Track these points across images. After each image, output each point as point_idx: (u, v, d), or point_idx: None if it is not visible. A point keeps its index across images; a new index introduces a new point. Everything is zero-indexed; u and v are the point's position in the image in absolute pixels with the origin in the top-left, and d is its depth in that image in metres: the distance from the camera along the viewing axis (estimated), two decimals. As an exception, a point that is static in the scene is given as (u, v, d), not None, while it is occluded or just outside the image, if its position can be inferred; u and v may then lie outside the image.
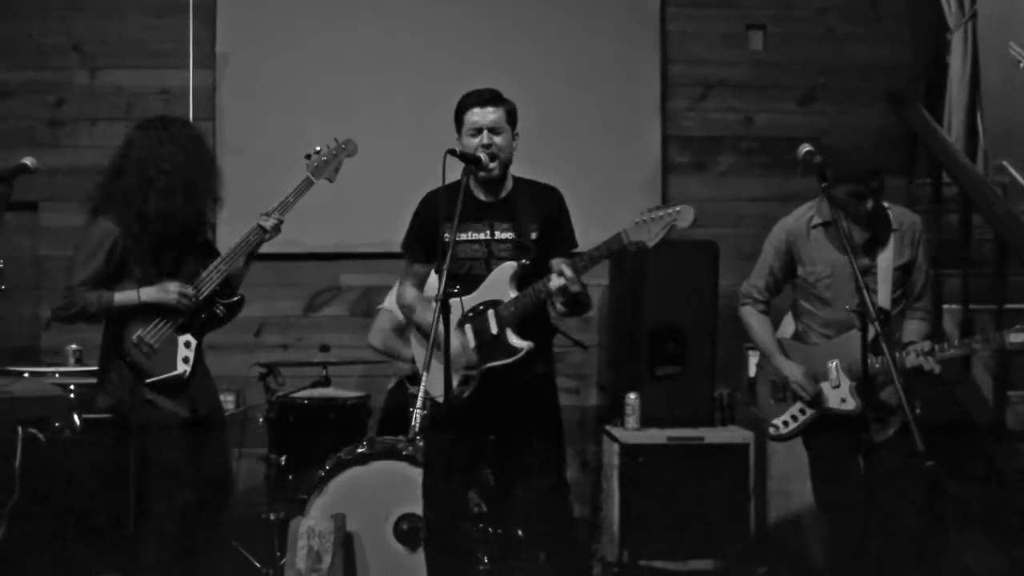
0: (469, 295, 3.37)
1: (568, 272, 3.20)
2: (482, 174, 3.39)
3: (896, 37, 5.63)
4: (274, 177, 5.10)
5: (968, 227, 4.84)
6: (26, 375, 4.30)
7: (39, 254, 5.42)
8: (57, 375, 4.38)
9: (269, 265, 5.27)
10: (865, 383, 3.33)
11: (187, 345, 3.67)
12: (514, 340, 3.32)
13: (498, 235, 3.40)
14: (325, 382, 4.59)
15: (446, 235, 3.23)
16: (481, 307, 3.36)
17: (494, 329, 3.33)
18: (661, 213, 3.17)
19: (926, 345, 3.39)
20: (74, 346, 4.72)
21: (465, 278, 3.37)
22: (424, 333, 3.45)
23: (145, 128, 3.71)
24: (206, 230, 3.83)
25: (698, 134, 5.59)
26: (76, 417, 3.97)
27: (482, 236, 3.41)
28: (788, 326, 3.85)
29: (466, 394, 3.35)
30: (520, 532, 3.76)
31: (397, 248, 5.15)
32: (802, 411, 3.62)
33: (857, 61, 5.60)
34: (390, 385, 4.81)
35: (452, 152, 3.31)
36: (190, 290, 3.64)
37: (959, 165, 4.95)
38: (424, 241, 3.47)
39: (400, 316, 4.56)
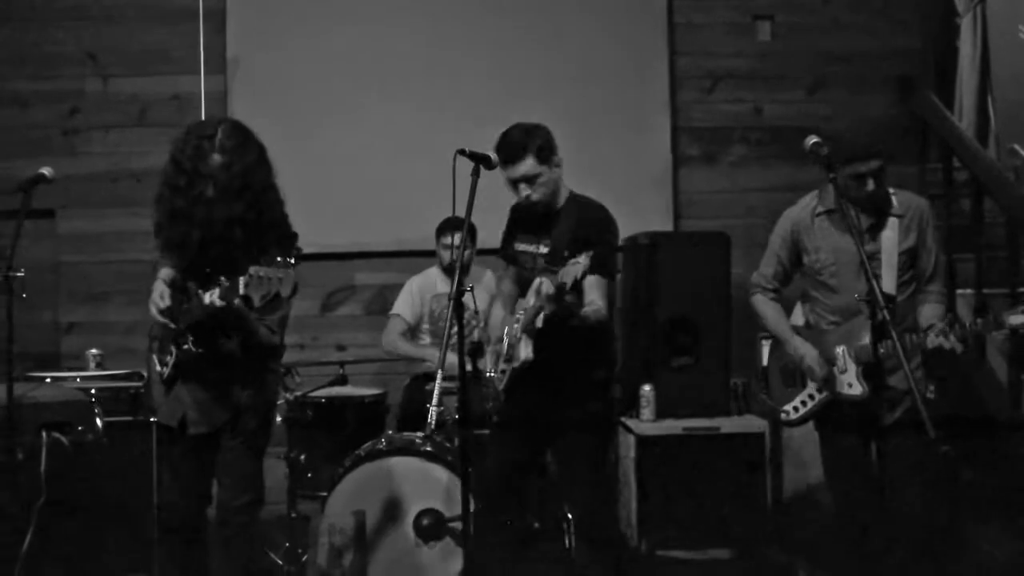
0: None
1: (548, 289, 3.29)
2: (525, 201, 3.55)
3: (904, 23, 5.62)
4: (287, 180, 5.17)
5: (980, 212, 4.84)
6: (48, 380, 4.35)
7: (57, 260, 5.49)
8: (78, 379, 4.44)
9: (284, 266, 5.33)
10: (873, 368, 3.36)
11: (170, 353, 3.37)
12: (521, 347, 3.47)
13: (542, 249, 3.58)
14: (342, 380, 4.63)
15: (517, 244, 3.64)
16: (519, 315, 3.55)
17: (518, 335, 3.48)
18: (573, 262, 3.24)
19: (941, 327, 3.40)
20: (94, 351, 4.79)
21: (524, 285, 3.63)
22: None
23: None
24: (235, 248, 3.22)
25: (708, 126, 5.61)
26: (98, 420, 4.01)
27: (532, 249, 3.62)
28: (798, 316, 3.85)
29: (503, 385, 3.59)
30: (536, 524, 3.80)
31: (411, 247, 5.26)
32: (811, 396, 3.66)
33: (865, 49, 5.60)
34: (406, 382, 4.86)
35: (462, 152, 3.38)
36: (162, 304, 3.31)
37: (969, 151, 4.95)
38: (506, 247, 3.78)
39: (411, 320, 4.92)
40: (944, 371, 4.01)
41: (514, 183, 3.52)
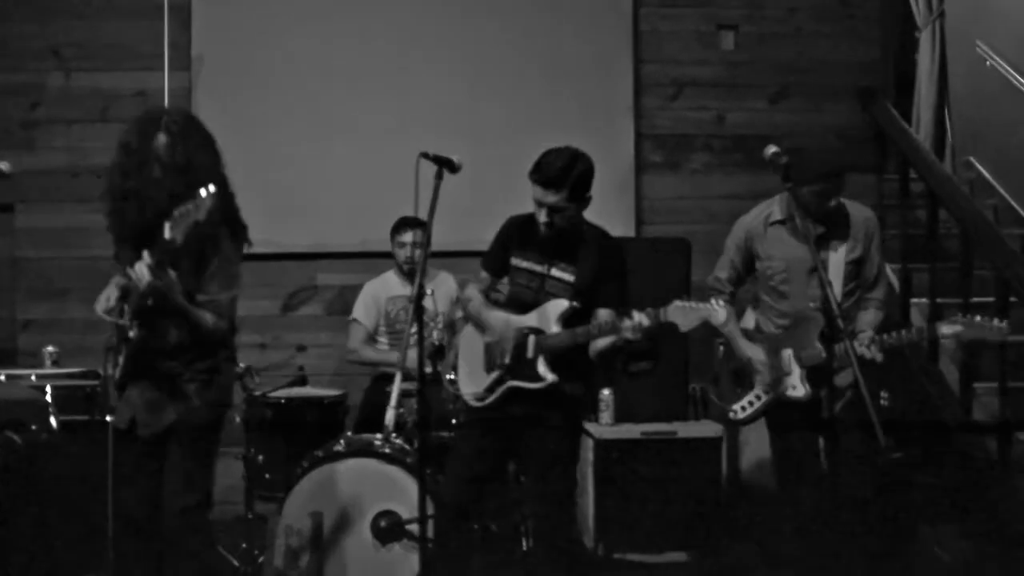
0: (518, 316, 3.59)
1: (644, 321, 3.34)
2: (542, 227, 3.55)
3: (866, 36, 5.71)
4: (250, 178, 5.14)
5: (935, 223, 4.92)
6: (2, 378, 4.29)
7: (15, 255, 5.42)
8: (34, 377, 4.37)
9: (246, 265, 5.28)
10: (817, 371, 3.56)
11: (121, 352, 3.33)
12: (542, 369, 3.50)
13: (555, 272, 3.57)
14: (302, 381, 4.62)
15: (516, 260, 3.62)
16: (526, 331, 3.55)
17: (530, 353, 3.51)
18: (700, 306, 3.33)
19: (865, 337, 3.56)
20: (51, 348, 4.73)
21: (513, 300, 3.65)
22: (477, 325, 3.71)
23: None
24: (160, 231, 3.08)
25: (671, 133, 5.66)
26: (53, 419, 3.97)
27: (539, 269, 3.60)
28: (749, 320, 3.99)
29: (486, 401, 3.59)
30: (494, 527, 3.83)
31: (373, 247, 5.26)
32: (758, 397, 3.82)
33: (827, 60, 5.68)
34: (366, 384, 4.86)
35: (425, 155, 3.41)
36: (107, 304, 3.31)
37: (926, 162, 5.03)
38: (496, 258, 3.72)
39: (369, 326, 4.93)
40: (896, 379, 4.09)
41: (539, 204, 3.51)
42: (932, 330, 3.56)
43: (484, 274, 3.76)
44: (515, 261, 3.63)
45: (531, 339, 3.52)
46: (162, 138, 3.22)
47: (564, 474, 3.62)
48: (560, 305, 3.50)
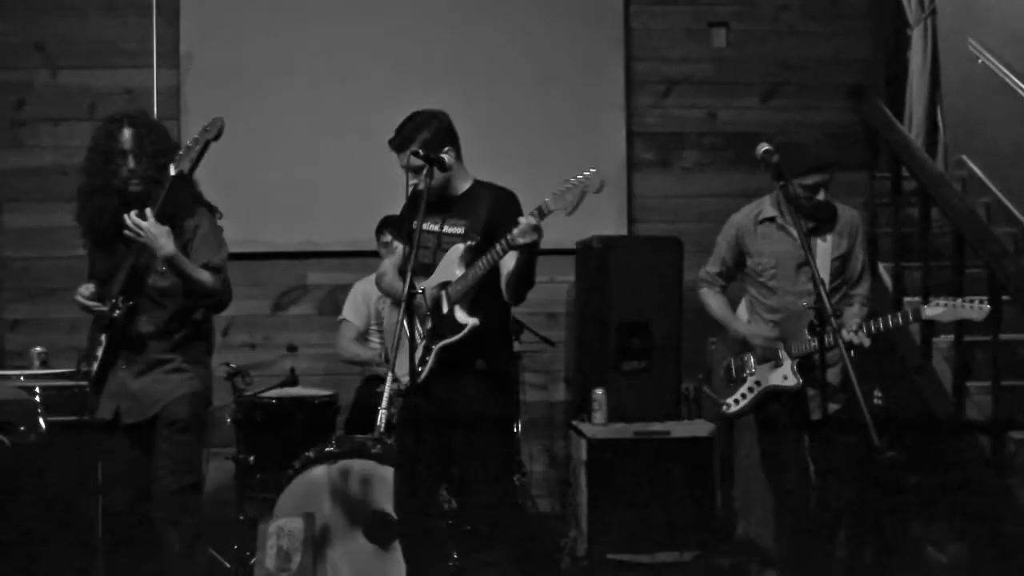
0: (426, 279, 3.56)
1: (530, 220, 3.26)
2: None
3: (857, 33, 5.70)
4: (240, 178, 5.12)
5: (927, 221, 4.92)
6: (-11, 378, 4.27)
7: (2, 255, 5.38)
8: (22, 378, 4.35)
9: (236, 264, 5.22)
10: (810, 365, 3.62)
11: (99, 343, 3.45)
12: (460, 316, 3.45)
13: (447, 229, 3.56)
14: (293, 381, 4.59)
15: (415, 224, 3.49)
16: (435, 290, 3.52)
17: (445, 308, 3.48)
18: (575, 180, 3.25)
19: (852, 323, 3.63)
20: (39, 348, 4.70)
21: (418, 267, 3.56)
22: (394, 301, 3.69)
23: None
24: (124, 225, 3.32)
25: (662, 130, 5.64)
26: (42, 420, 3.94)
27: (435, 228, 3.58)
28: (742, 312, 4.03)
29: (423, 373, 3.48)
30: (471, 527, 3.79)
31: (364, 247, 5.23)
32: (751, 389, 3.87)
33: (818, 57, 5.67)
34: (358, 384, 4.84)
35: (415, 154, 3.40)
36: (85, 291, 3.47)
37: (917, 160, 5.03)
38: (405, 223, 3.70)
39: (359, 325, 4.88)
40: (890, 377, 4.09)
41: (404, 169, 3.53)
42: (917, 313, 3.60)
43: (396, 244, 3.74)
44: (416, 224, 3.57)
45: (442, 294, 3.49)
46: (127, 132, 3.39)
47: (498, 488, 3.55)
48: (457, 250, 3.49)
